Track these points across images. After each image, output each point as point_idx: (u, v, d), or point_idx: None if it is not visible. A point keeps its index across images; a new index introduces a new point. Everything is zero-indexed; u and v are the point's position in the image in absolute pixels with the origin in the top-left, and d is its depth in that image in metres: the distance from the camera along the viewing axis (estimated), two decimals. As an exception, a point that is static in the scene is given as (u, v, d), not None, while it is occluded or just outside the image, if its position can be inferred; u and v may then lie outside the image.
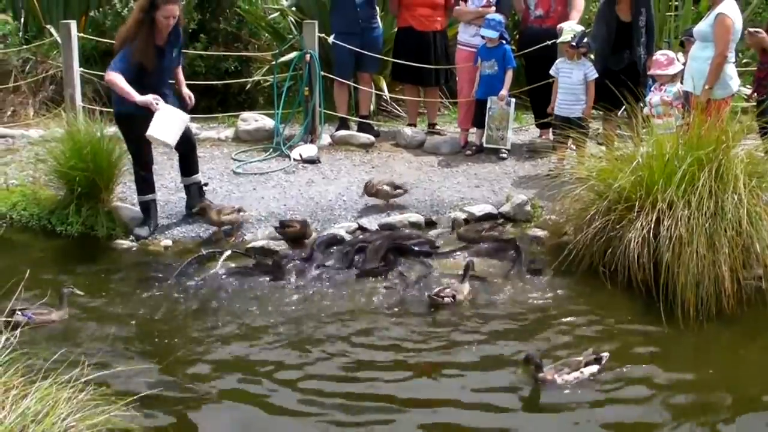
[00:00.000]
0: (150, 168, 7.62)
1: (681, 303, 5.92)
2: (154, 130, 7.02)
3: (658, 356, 5.55)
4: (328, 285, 6.59)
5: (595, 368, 5.23)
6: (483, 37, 9.11)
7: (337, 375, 5.33)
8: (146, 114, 7.08)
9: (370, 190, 7.89)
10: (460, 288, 6.36)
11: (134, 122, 7.19)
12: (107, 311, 6.15)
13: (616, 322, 6.02)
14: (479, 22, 9.20)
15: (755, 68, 8.73)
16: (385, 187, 7.89)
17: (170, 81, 7.59)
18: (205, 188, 7.96)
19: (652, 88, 8.20)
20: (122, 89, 7.01)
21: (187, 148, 7.70)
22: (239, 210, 7.52)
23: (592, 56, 8.84)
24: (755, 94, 8.33)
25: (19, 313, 5.81)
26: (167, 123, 7.10)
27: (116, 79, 7.01)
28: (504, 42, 9.11)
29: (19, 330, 4.55)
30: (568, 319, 6.06)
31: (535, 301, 6.33)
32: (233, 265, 6.88)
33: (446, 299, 6.23)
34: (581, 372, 5.20)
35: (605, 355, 5.31)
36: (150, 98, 7.01)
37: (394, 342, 5.71)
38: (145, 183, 7.57)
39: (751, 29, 8.01)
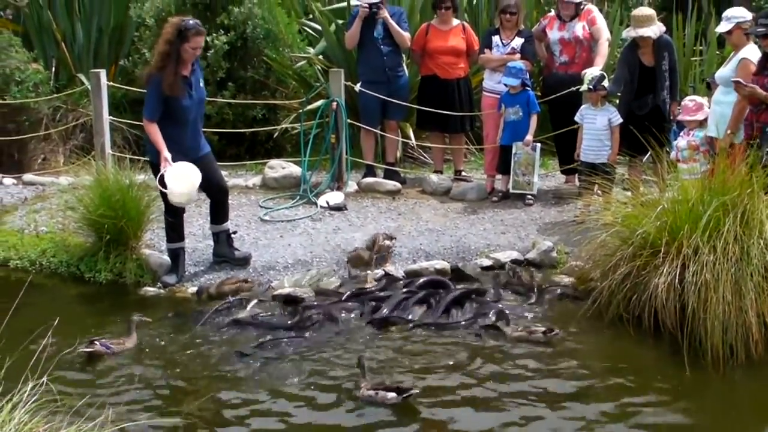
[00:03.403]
0: (182, 215, 7.70)
1: (708, 349, 5.87)
2: (171, 188, 7.14)
3: (684, 403, 5.49)
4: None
5: (391, 395, 5.34)
6: (506, 84, 9.16)
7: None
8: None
9: (377, 248, 7.66)
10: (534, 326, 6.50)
11: None
12: (133, 358, 6.18)
13: (642, 368, 5.98)
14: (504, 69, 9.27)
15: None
16: (387, 242, 7.78)
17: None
18: (233, 236, 8.01)
19: (680, 133, 8.19)
20: (154, 140, 7.18)
21: (220, 194, 7.77)
22: (245, 281, 7.46)
23: (617, 101, 8.87)
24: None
25: (97, 343, 6.01)
26: (181, 178, 7.18)
27: (151, 129, 7.21)
28: (527, 88, 9.15)
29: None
30: (593, 364, 6.03)
31: (561, 346, 6.29)
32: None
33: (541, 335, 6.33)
34: (375, 393, 5.39)
35: (413, 391, 5.39)
36: (164, 157, 7.13)
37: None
38: (174, 231, 7.64)
39: (742, 82, 7.44)
